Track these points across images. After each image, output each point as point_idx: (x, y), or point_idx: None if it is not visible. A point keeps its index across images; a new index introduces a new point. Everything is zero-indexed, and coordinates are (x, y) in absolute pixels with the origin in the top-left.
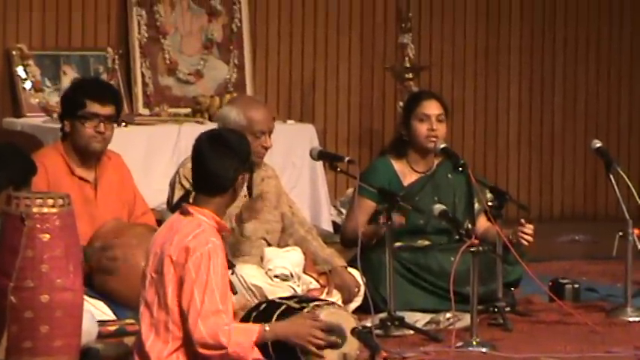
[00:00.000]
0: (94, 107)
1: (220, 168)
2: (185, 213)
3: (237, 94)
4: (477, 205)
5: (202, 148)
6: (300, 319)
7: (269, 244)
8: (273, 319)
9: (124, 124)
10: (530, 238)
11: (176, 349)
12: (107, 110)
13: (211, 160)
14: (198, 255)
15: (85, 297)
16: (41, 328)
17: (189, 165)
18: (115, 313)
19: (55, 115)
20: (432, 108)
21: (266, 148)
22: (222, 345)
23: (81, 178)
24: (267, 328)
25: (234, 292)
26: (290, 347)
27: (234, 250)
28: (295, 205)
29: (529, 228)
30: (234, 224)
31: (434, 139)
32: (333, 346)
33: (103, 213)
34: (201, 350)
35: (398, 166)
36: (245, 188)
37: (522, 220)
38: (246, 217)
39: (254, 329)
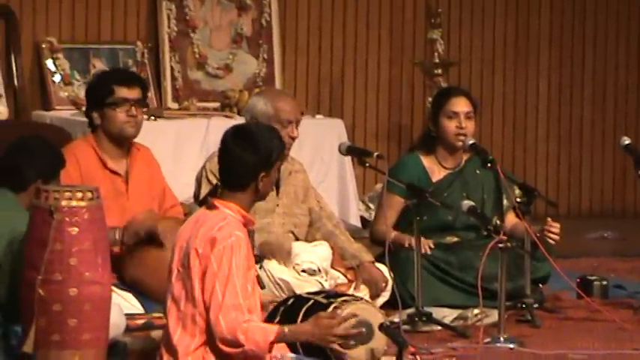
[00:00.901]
0: (123, 92)
1: (238, 164)
2: (211, 207)
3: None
4: (505, 202)
5: (227, 142)
6: (317, 319)
7: (297, 238)
8: (301, 314)
9: (152, 117)
10: (557, 237)
11: (203, 344)
12: (135, 94)
13: (232, 155)
14: (220, 248)
15: (115, 289)
16: (69, 322)
17: (216, 159)
18: (143, 306)
19: (84, 109)
20: (461, 105)
21: (293, 139)
22: (239, 342)
23: (112, 172)
24: (287, 330)
25: (262, 287)
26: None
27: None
28: (323, 199)
29: (556, 227)
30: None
31: (462, 138)
32: (358, 339)
33: (134, 206)
34: (220, 345)
35: (427, 162)
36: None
37: (549, 219)
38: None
39: (272, 329)
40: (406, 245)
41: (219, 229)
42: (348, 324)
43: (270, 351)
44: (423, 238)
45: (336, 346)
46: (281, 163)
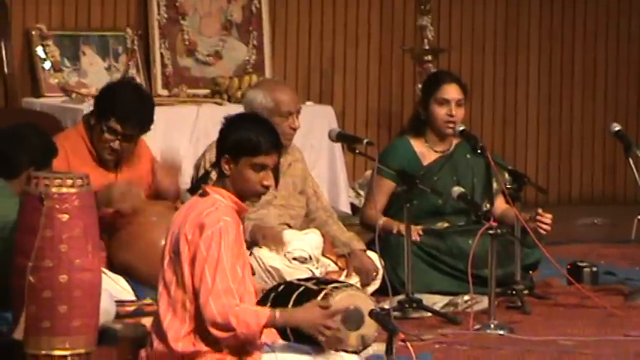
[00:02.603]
0: (116, 126)
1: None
2: (203, 194)
3: (256, 75)
4: (495, 185)
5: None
6: (311, 307)
7: (290, 229)
8: (292, 300)
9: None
10: (548, 228)
11: (192, 330)
12: (129, 131)
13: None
14: (209, 233)
15: (106, 271)
16: (60, 308)
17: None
18: (134, 290)
19: (74, 96)
20: (452, 92)
21: (294, 129)
22: (231, 326)
23: (103, 166)
24: (278, 315)
25: (252, 274)
26: None
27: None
28: (319, 188)
29: (548, 217)
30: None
31: (452, 125)
32: (338, 338)
33: None
34: (211, 329)
35: (417, 145)
36: None
37: (540, 210)
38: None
39: (264, 313)
40: (394, 232)
41: (207, 215)
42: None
43: (261, 334)
44: (412, 225)
45: (321, 338)
46: (270, 155)
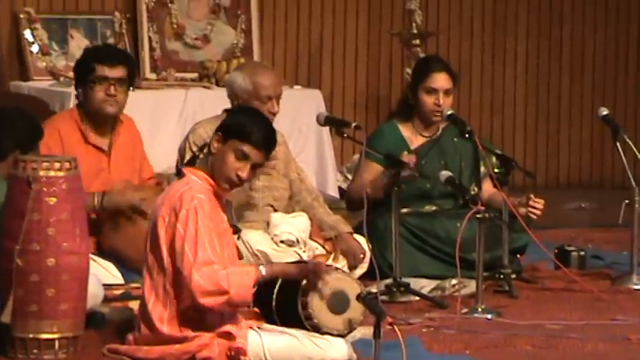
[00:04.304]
0: (103, 70)
1: None
2: (181, 176)
3: (244, 59)
4: (482, 169)
5: None
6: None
7: (276, 211)
8: (277, 285)
9: (130, 88)
10: (539, 213)
11: (176, 315)
12: (117, 73)
13: None
14: (184, 212)
15: (96, 258)
16: (47, 292)
17: (199, 131)
18: (123, 276)
19: (62, 79)
20: (441, 81)
21: (273, 114)
22: (223, 289)
23: (94, 146)
24: (263, 269)
25: (240, 257)
26: (293, 310)
27: (240, 215)
28: (303, 171)
29: (540, 202)
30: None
31: (439, 114)
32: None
33: (116, 180)
34: (202, 301)
35: (404, 130)
36: None
37: (532, 195)
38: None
39: (251, 270)
40: (389, 181)
41: (180, 195)
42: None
43: (259, 307)
44: (405, 153)
45: (308, 281)
46: (257, 149)
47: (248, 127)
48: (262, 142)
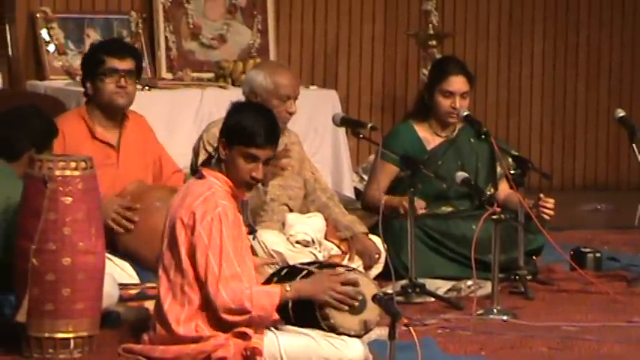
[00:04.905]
0: (113, 62)
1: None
2: (200, 177)
3: (260, 59)
4: (499, 170)
5: None
6: (319, 276)
7: (291, 210)
8: None
9: (147, 87)
10: (551, 212)
11: (193, 315)
12: (126, 65)
13: None
14: (208, 219)
15: (111, 257)
16: (63, 291)
17: (213, 130)
18: (139, 276)
19: (79, 78)
20: (458, 85)
21: (290, 114)
22: (246, 309)
23: (103, 141)
24: (289, 288)
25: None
26: (309, 310)
27: (256, 215)
28: (318, 171)
29: (550, 202)
30: (259, 187)
31: (454, 116)
32: (351, 307)
33: (125, 176)
34: (225, 316)
35: (421, 130)
36: None
37: (542, 195)
38: (270, 175)
39: (275, 291)
40: (400, 210)
41: (204, 200)
42: (349, 288)
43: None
44: (417, 198)
45: (330, 302)
46: (263, 149)
47: (249, 129)
48: (267, 140)
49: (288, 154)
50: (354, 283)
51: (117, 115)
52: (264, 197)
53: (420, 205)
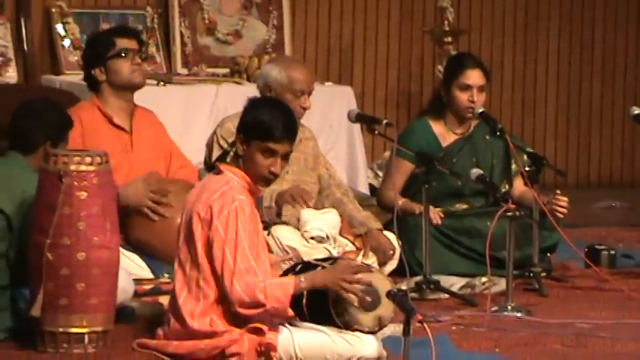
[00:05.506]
0: (124, 42)
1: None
2: (217, 172)
3: (275, 55)
4: (513, 167)
5: None
6: (334, 266)
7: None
8: None
9: (162, 83)
10: (565, 210)
11: (209, 310)
12: (134, 44)
13: None
14: (225, 214)
15: (121, 249)
16: (77, 286)
17: (227, 125)
18: (149, 266)
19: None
20: (475, 78)
21: (304, 109)
22: (260, 302)
23: (118, 127)
24: (303, 279)
25: (269, 252)
26: (324, 307)
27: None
28: (332, 167)
29: (564, 200)
30: (273, 206)
31: (472, 110)
32: (365, 300)
33: (140, 161)
34: (239, 310)
35: (436, 127)
36: None
37: (557, 192)
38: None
39: (289, 282)
40: (416, 213)
41: (221, 194)
42: (362, 277)
43: (290, 304)
44: (432, 207)
45: (343, 293)
46: (281, 143)
47: (266, 123)
48: (285, 134)
49: (303, 149)
50: (367, 272)
51: (131, 97)
52: (276, 219)
53: (436, 218)
